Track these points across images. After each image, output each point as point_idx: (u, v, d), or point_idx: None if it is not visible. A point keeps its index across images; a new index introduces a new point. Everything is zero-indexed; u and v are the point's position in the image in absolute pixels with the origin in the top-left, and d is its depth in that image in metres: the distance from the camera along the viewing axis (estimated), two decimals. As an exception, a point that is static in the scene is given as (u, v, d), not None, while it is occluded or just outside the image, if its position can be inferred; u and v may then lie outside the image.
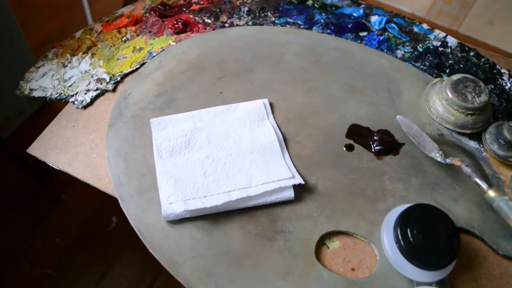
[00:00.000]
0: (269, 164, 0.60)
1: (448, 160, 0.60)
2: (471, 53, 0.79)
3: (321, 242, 0.55)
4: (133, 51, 0.78)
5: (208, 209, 0.55)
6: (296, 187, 0.58)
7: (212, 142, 0.63)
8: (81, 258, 1.25)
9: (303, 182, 0.58)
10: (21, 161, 1.35)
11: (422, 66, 0.76)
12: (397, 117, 0.67)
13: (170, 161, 0.60)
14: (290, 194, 0.57)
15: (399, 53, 0.78)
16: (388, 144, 0.64)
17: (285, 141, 0.64)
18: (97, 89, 0.72)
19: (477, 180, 0.57)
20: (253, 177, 0.58)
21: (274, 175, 0.58)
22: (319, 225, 0.56)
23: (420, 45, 0.80)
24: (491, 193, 0.55)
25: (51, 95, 0.71)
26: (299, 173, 0.60)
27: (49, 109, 1.54)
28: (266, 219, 0.56)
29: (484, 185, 0.56)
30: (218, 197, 0.56)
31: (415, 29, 0.83)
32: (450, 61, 0.78)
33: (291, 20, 0.84)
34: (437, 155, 0.61)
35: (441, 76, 0.75)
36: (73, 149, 0.65)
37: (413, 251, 0.49)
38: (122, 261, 1.24)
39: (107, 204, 1.35)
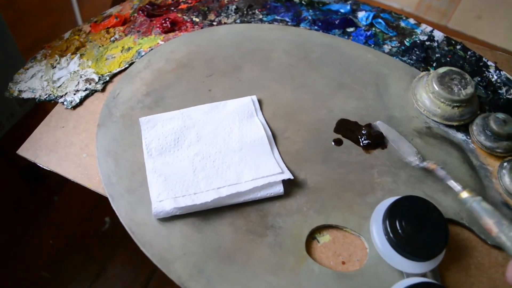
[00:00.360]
0: (258, 160, 0.60)
1: (424, 164, 0.61)
2: (458, 47, 0.80)
3: (311, 236, 0.56)
4: (121, 51, 0.78)
5: (198, 206, 0.55)
6: (285, 183, 0.58)
7: (202, 140, 0.63)
8: (75, 259, 1.25)
9: (292, 177, 0.58)
10: (14, 164, 1.34)
11: (409, 60, 0.77)
12: (377, 122, 0.67)
13: (159, 159, 0.61)
14: (280, 189, 0.57)
15: (386, 48, 0.79)
16: (376, 138, 0.64)
17: (274, 137, 0.65)
18: (86, 89, 0.72)
19: (450, 182, 0.57)
20: (242, 173, 0.58)
21: (263, 170, 0.58)
22: (309, 220, 0.56)
23: (407, 40, 0.80)
24: (464, 194, 0.55)
25: (40, 96, 0.71)
26: (289, 169, 0.60)
27: (40, 111, 1.53)
28: (256, 215, 0.57)
29: (457, 187, 0.57)
30: (208, 194, 0.56)
31: (402, 24, 0.84)
32: (437, 55, 0.78)
33: (278, 17, 0.84)
34: (415, 158, 0.62)
35: (428, 70, 0.76)
36: (63, 149, 0.65)
37: (402, 243, 0.50)
38: (116, 261, 1.24)
39: (100, 205, 1.35)
